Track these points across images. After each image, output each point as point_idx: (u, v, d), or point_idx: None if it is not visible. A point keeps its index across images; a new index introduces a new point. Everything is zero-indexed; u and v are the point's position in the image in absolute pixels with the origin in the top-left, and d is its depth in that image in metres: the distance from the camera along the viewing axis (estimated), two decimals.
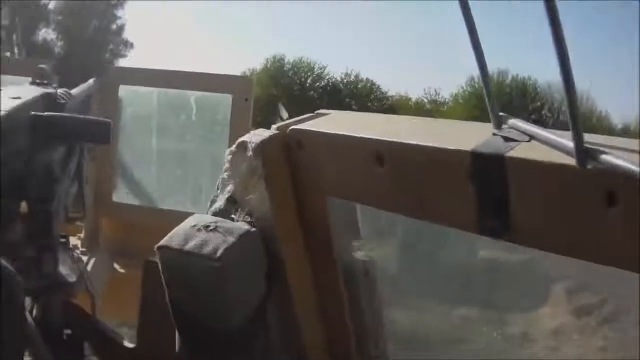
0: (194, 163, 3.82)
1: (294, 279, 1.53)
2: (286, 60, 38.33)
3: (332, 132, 1.39)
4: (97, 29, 29.00)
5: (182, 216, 3.44)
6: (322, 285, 1.56)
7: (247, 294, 1.47)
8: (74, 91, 2.44)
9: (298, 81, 37.60)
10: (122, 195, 3.77)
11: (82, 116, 1.77)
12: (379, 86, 38.06)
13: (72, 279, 2.43)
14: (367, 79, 37.92)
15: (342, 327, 1.59)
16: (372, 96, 37.61)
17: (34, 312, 2.26)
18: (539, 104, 35.32)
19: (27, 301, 2.24)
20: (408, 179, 1.27)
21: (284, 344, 1.59)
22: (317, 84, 38.52)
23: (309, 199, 1.48)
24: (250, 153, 1.46)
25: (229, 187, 1.56)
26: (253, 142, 1.46)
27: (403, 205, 1.31)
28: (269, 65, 38.11)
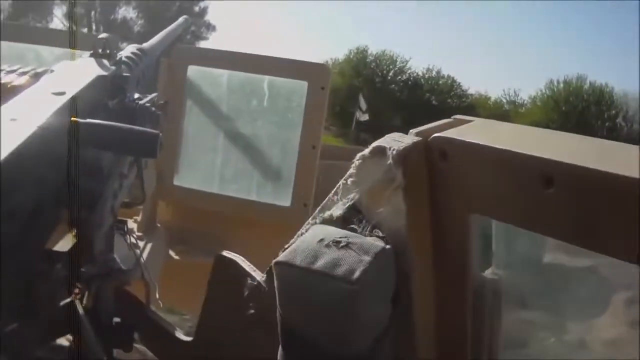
0: (262, 150, 3.69)
1: (419, 298, 1.42)
2: (369, 52, 39.02)
3: (487, 144, 1.25)
4: (179, 10, 29.30)
5: (244, 204, 3.37)
6: (447, 306, 1.44)
7: (376, 316, 1.34)
8: (150, 44, 2.28)
9: (380, 73, 38.31)
10: (184, 178, 3.64)
11: (126, 126, 1.59)
12: (459, 83, 38.73)
13: (128, 265, 2.32)
14: (448, 76, 38.74)
15: (460, 352, 1.47)
16: (453, 93, 38.27)
17: (85, 299, 2.12)
18: (614, 112, 35.25)
19: (78, 288, 2.13)
20: (577, 204, 1.17)
21: None
22: (399, 77, 38.99)
23: (449, 215, 1.35)
24: (390, 161, 1.32)
25: (353, 195, 1.42)
26: (394, 149, 1.32)
27: (565, 230, 1.20)
28: (351, 56, 39.01)
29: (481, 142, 1.25)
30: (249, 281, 1.85)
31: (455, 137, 1.31)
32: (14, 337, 1.47)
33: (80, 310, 1.99)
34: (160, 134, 1.57)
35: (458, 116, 1.46)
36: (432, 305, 1.45)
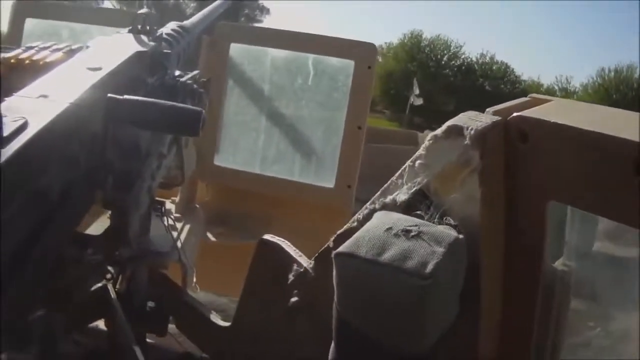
0: (306, 130, 3.58)
1: (487, 291, 1.31)
2: (423, 37, 39.38)
3: (572, 125, 1.15)
4: None
5: (286, 185, 3.29)
6: (515, 298, 1.34)
7: (444, 314, 1.24)
8: (191, 21, 2.20)
9: (434, 58, 38.79)
10: (224, 158, 3.56)
11: (167, 103, 1.50)
12: (512, 69, 38.87)
13: (165, 248, 2.26)
14: (502, 62, 39.22)
15: (524, 348, 1.36)
16: (506, 79, 38.58)
17: (118, 283, 2.06)
18: None
19: (115, 270, 2.07)
20: None
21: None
22: (452, 62, 39.76)
23: (526, 202, 1.24)
24: (467, 141, 1.21)
25: (420, 178, 1.31)
26: (472, 129, 1.21)
27: None
28: (406, 40, 39.40)
29: (565, 123, 1.15)
30: (295, 267, 1.76)
31: (537, 116, 1.20)
32: (43, 324, 1.42)
33: (113, 294, 1.93)
34: (203, 111, 1.49)
35: (535, 95, 1.36)
36: (498, 302, 1.34)
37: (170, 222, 2.60)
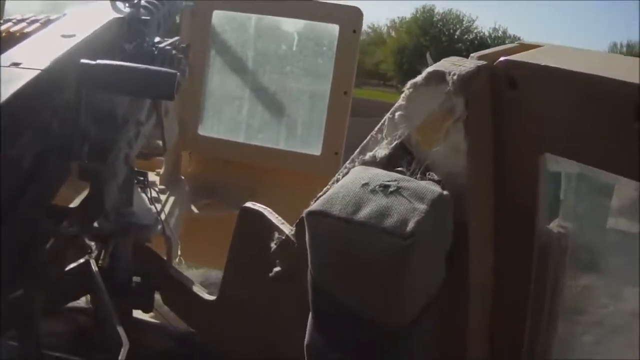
0: (291, 97, 3.52)
1: (476, 253, 1.22)
2: (436, 11, 39.68)
3: (566, 68, 1.05)
4: None
5: (272, 153, 3.23)
6: (508, 261, 1.25)
7: (428, 279, 1.14)
8: None
9: (446, 32, 39.13)
10: (208, 128, 3.49)
11: (141, 66, 1.46)
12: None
13: (148, 221, 2.21)
14: (514, 36, 39.75)
15: (518, 317, 1.29)
16: None
17: (101, 258, 2.01)
18: None
19: (95, 246, 2.02)
20: None
21: (442, 331, 1.25)
22: (465, 36, 40.24)
23: (517, 154, 1.16)
24: (449, 87, 1.12)
25: (401, 131, 1.22)
26: (454, 74, 1.12)
27: None
28: (418, 15, 39.48)
29: (558, 66, 1.06)
30: (277, 235, 1.70)
31: (527, 60, 1.12)
32: (21, 304, 1.37)
33: (95, 269, 1.88)
34: (178, 74, 1.45)
35: (523, 42, 1.28)
36: (489, 264, 1.26)
37: (154, 194, 2.55)
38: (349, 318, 1.14)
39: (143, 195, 2.45)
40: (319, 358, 1.23)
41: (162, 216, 2.41)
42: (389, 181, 1.12)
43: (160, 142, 2.21)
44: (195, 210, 3.36)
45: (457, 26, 39.25)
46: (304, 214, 1.18)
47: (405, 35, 38.21)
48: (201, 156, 3.54)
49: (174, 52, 1.90)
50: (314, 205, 1.16)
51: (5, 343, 1.40)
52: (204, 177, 3.50)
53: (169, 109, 2.19)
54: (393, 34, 38.36)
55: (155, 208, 2.39)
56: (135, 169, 2.26)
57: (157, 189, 2.68)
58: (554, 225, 1.28)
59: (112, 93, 1.59)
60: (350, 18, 3.22)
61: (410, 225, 1.05)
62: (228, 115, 3.55)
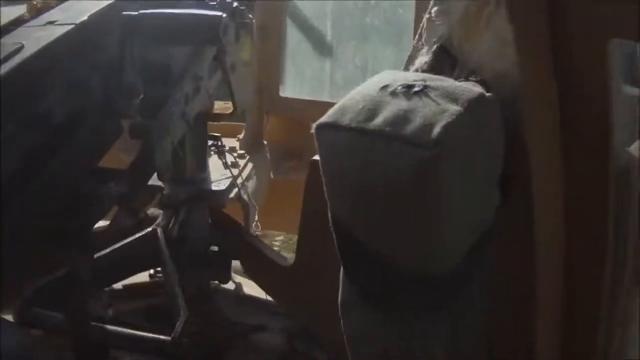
0: (374, 51, 3.37)
1: (540, 178, 0.95)
2: None
3: None
4: None
5: None
6: (579, 190, 0.98)
7: (469, 208, 0.89)
8: None
9: None
10: (290, 89, 3.38)
11: (185, 11, 1.44)
12: None
13: (222, 186, 2.14)
14: None
15: (598, 258, 1.01)
16: None
17: (171, 227, 1.94)
18: None
19: (165, 215, 1.95)
20: None
21: (499, 284, 1.02)
22: None
23: (578, 43, 0.88)
24: None
25: (442, 30, 0.98)
26: None
27: None
28: None
29: None
30: None
31: None
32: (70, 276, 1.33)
33: (162, 240, 1.80)
34: (224, 15, 1.37)
35: None
36: (559, 185, 1.00)
37: (231, 158, 2.45)
38: (376, 266, 0.93)
39: (219, 160, 2.36)
40: (353, 320, 1.06)
41: (238, 181, 2.32)
42: (413, 80, 0.89)
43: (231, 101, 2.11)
44: (279, 175, 3.25)
45: None
46: (312, 129, 1.03)
47: None
48: (284, 119, 3.42)
49: (235, 4, 1.79)
50: (324, 117, 1.00)
51: (6, 323, 1.37)
52: (287, 140, 3.40)
53: (236, 64, 2.07)
54: None
55: (231, 172, 2.30)
56: (210, 133, 2.18)
57: (235, 154, 2.57)
58: (634, 148, 1.00)
59: (158, 43, 1.51)
60: None
61: (436, 130, 0.82)
62: (310, 75, 3.44)
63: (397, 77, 0.94)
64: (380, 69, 3.08)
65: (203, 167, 2.10)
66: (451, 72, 0.98)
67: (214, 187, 2.15)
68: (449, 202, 0.85)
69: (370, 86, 0.95)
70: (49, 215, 1.22)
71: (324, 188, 1.00)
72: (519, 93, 0.90)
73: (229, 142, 2.60)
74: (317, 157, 1.69)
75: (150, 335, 1.61)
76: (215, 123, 2.17)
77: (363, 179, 0.90)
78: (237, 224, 2.25)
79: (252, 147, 3.09)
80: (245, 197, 2.32)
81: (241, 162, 2.56)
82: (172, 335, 1.54)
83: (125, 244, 1.72)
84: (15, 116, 1.10)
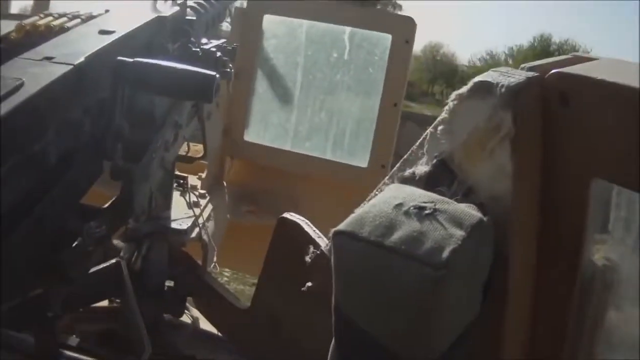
0: (340, 107, 3.45)
1: (515, 285, 1.12)
2: (552, 40, 40.03)
3: (623, 83, 0.94)
4: None
5: (319, 163, 3.17)
6: (548, 299, 1.15)
7: (461, 313, 1.05)
8: None
9: None
10: (254, 134, 3.45)
11: (179, 66, 1.39)
12: None
13: (185, 225, 2.18)
14: None
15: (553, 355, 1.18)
16: None
17: (134, 260, 1.97)
18: None
19: (128, 248, 1.98)
20: None
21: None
22: None
23: (565, 178, 1.06)
24: (495, 100, 1.03)
25: (444, 147, 1.13)
26: (502, 85, 1.03)
27: None
28: (535, 43, 40.04)
29: (615, 81, 0.96)
30: (312, 249, 1.64)
31: (580, 73, 1.01)
32: (41, 302, 1.35)
33: (126, 271, 1.83)
34: (217, 76, 1.39)
35: (577, 53, 1.18)
36: (528, 297, 1.16)
37: (194, 198, 2.51)
38: (373, 349, 1.05)
39: (182, 198, 2.41)
40: None
41: (200, 221, 2.37)
42: (424, 202, 1.04)
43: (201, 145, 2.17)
44: (237, 216, 3.30)
45: None
46: (330, 234, 1.10)
47: (523, 63, 38.82)
48: (245, 162, 3.49)
49: (219, 54, 1.85)
50: (342, 225, 1.09)
51: (6, 333, 1.38)
52: (246, 183, 3.46)
53: (212, 112, 2.14)
54: (510, 61, 38.49)
55: (194, 212, 2.35)
56: (176, 172, 2.22)
57: (197, 193, 2.63)
58: (598, 257, 1.16)
59: (148, 93, 1.55)
60: (404, 28, 3.15)
61: (445, 254, 0.96)
62: (275, 122, 3.50)
63: (408, 196, 1.06)
64: (345, 124, 3.22)
65: (168, 205, 2.14)
66: (449, 187, 1.11)
67: (176, 226, 2.19)
68: (445, 310, 0.98)
69: (384, 202, 1.07)
70: (35, 251, 1.24)
71: (334, 280, 1.09)
72: (509, 217, 1.04)
73: (189, 180, 2.66)
74: (286, 215, 1.79)
75: None
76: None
77: (373, 283, 1.01)
78: (195, 262, 2.29)
79: (212, 187, 3.16)
80: (205, 237, 2.37)
81: (202, 202, 2.61)
82: None
83: (92, 272, 1.75)
84: (11, 158, 1.10)
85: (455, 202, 1.06)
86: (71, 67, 1.26)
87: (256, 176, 3.43)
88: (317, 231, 1.72)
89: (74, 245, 1.36)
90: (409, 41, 3.13)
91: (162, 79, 1.38)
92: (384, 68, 3.17)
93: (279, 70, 3.50)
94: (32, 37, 1.52)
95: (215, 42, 1.93)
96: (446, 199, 1.07)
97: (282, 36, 3.46)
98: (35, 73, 1.21)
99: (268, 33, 3.40)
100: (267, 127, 3.49)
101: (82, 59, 1.30)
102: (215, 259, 2.47)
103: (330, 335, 1.33)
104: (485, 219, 1.04)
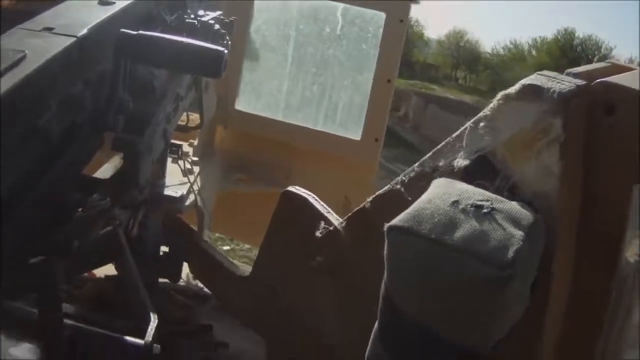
0: (332, 79, 3.46)
1: (557, 283, 1.16)
2: (576, 35, 39.89)
3: None
4: None
5: (311, 134, 3.20)
6: (584, 294, 1.20)
7: (517, 307, 1.07)
8: None
9: (585, 57, 39.16)
10: (246, 103, 3.45)
11: (187, 40, 1.41)
12: None
13: (179, 192, 2.19)
14: None
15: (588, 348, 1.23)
16: None
17: (130, 227, 1.99)
18: None
19: (124, 215, 2.00)
20: None
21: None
22: None
23: (607, 183, 1.11)
24: (544, 104, 1.07)
25: (486, 143, 1.16)
26: (554, 91, 1.06)
27: None
28: (559, 37, 39.89)
29: None
30: (323, 225, 1.65)
31: (626, 84, 1.06)
32: (43, 269, 1.35)
33: (123, 238, 1.86)
34: (226, 51, 1.40)
35: (613, 61, 1.24)
36: (565, 294, 1.21)
37: (188, 166, 2.53)
38: (423, 337, 1.07)
39: (176, 166, 2.44)
40: None
41: (194, 187, 2.39)
42: (481, 200, 1.06)
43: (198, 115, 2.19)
44: (227, 185, 3.34)
45: (596, 52, 38.29)
46: (385, 228, 1.10)
47: (545, 55, 38.18)
48: (237, 132, 3.50)
49: (217, 27, 1.86)
50: (398, 220, 1.09)
51: (6, 305, 1.38)
52: (238, 152, 3.47)
53: (210, 83, 2.16)
54: (534, 52, 38.11)
55: (189, 180, 2.38)
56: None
57: (190, 160, 2.66)
58: (631, 254, 1.20)
59: (153, 66, 1.55)
60: (398, 7, 3.19)
61: (510, 254, 0.98)
62: (267, 92, 3.50)
63: (463, 193, 1.08)
64: (337, 97, 3.24)
65: (163, 173, 2.15)
66: (492, 181, 1.14)
67: (171, 193, 2.20)
68: (507, 309, 1.02)
69: (439, 199, 1.08)
70: (40, 222, 1.24)
71: (386, 273, 1.10)
72: (554, 214, 1.08)
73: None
74: (291, 189, 1.80)
75: (122, 337, 1.60)
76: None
77: (432, 279, 1.03)
78: (191, 229, 2.32)
79: (204, 154, 3.19)
80: (200, 204, 2.40)
81: (195, 169, 2.64)
82: (144, 341, 1.54)
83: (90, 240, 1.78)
84: (15, 131, 1.11)
85: (509, 201, 1.09)
86: (74, 39, 1.28)
87: (248, 145, 3.45)
88: (326, 206, 1.72)
89: (77, 216, 1.38)
90: (403, 20, 3.18)
91: (169, 54, 1.39)
92: (376, 45, 3.21)
93: (271, 42, 3.51)
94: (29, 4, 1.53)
95: (211, 14, 1.94)
96: (500, 197, 1.09)
97: (274, 9, 3.46)
98: (36, 45, 1.21)
99: (260, 5, 3.40)
100: (258, 97, 3.49)
101: (84, 31, 1.31)
102: (210, 224, 2.51)
103: (332, 313, 1.37)
104: (539, 217, 1.07)
